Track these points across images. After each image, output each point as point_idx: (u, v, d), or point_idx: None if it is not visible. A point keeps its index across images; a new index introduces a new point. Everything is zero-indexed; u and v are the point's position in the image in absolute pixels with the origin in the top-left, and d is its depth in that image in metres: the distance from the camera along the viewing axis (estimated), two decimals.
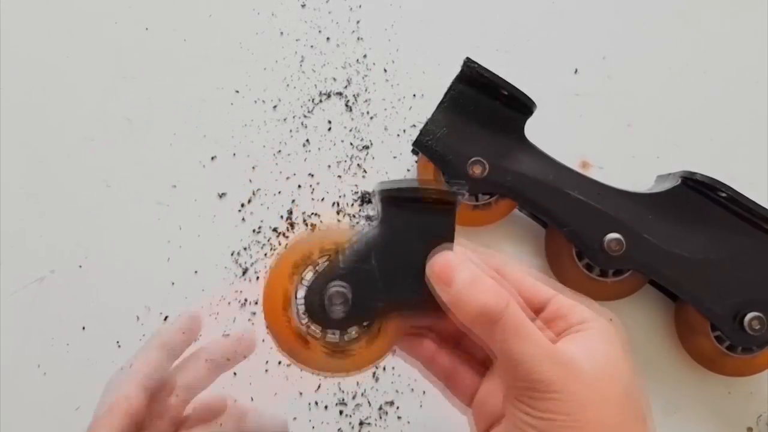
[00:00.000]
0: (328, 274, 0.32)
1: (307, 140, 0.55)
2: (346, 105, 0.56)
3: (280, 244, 0.53)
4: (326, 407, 0.49)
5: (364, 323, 0.33)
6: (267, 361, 0.50)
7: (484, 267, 0.31)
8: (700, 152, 0.55)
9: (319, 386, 0.50)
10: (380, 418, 0.49)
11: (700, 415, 0.50)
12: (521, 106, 0.49)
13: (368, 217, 0.53)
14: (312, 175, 0.55)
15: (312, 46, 0.58)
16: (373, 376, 0.50)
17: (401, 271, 0.32)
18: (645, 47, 0.58)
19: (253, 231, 0.53)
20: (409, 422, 0.49)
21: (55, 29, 0.58)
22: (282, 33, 0.58)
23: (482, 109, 0.49)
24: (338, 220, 0.54)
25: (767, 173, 0.54)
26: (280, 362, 0.50)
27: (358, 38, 0.58)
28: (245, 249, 0.53)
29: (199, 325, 0.41)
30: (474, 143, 0.49)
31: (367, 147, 0.55)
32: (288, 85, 0.57)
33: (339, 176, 0.54)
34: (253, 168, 0.55)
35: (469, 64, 0.48)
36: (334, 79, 0.57)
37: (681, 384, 0.50)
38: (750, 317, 0.45)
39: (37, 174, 0.55)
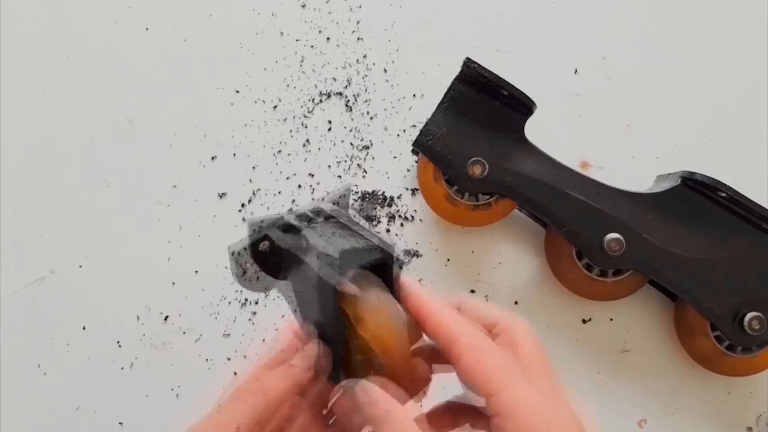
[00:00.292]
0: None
1: (307, 140, 0.55)
2: (346, 105, 0.56)
3: None
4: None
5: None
6: None
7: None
8: (700, 152, 0.55)
9: None
10: None
11: (700, 415, 0.50)
12: (521, 106, 0.49)
13: (369, 218, 0.53)
14: (312, 175, 0.55)
15: (312, 46, 0.58)
16: None
17: None
18: (645, 47, 0.58)
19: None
20: None
21: (55, 29, 0.58)
22: (282, 33, 0.58)
23: (482, 109, 0.49)
24: None
25: (767, 173, 0.54)
26: None
27: (358, 38, 0.58)
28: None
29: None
30: (474, 143, 0.49)
31: (367, 147, 0.55)
32: (288, 85, 0.57)
33: (339, 176, 0.55)
34: (253, 168, 0.55)
35: (469, 64, 0.48)
36: (334, 79, 0.57)
37: (681, 384, 0.50)
38: (750, 317, 0.45)
39: (37, 174, 0.55)
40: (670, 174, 0.51)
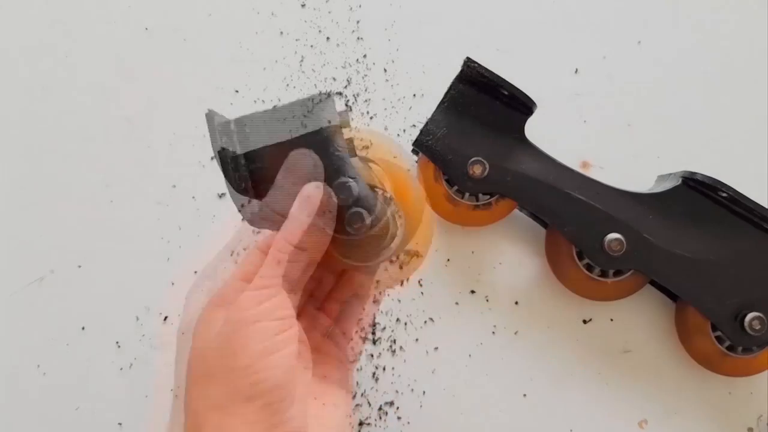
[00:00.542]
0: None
1: None
2: (346, 105, 0.56)
3: None
4: None
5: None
6: None
7: None
8: (700, 152, 0.55)
9: None
10: (380, 418, 0.49)
11: (701, 416, 0.50)
12: (521, 106, 0.49)
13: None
14: None
15: (312, 46, 0.58)
16: (373, 376, 0.50)
17: None
18: (645, 47, 0.58)
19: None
20: (409, 422, 0.49)
21: (54, 29, 0.58)
22: (282, 33, 0.58)
23: (482, 109, 0.49)
24: None
25: (767, 173, 0.54)
26: None
27: (358, 38, 0.58)
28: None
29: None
30: (474, 143, 0.49)
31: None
32: (288, 85, 0.57)
33: None
34: None
35: (469, 63, 0.48)
36: (334, 79, 0.57)
37: (681, 384, 0.50)
38: (750, 317, 0.45)
39: (37, 174, 0.55)
40: (671, 174, 0.51)
